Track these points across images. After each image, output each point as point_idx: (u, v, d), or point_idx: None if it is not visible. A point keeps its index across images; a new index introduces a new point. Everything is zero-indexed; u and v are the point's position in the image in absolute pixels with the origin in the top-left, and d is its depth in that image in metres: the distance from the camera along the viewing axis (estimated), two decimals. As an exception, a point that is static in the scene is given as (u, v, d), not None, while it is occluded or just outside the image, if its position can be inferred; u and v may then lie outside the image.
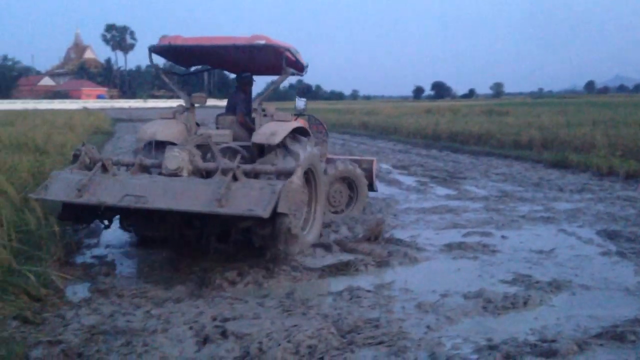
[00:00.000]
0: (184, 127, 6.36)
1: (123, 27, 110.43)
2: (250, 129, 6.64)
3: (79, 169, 5.50)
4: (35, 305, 4.26)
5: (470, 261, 5.83)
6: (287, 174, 5.35)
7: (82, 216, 5.70)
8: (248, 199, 4.85)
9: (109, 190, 5.06)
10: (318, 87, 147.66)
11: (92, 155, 5.64)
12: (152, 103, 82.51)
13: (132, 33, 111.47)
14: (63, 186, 5.15)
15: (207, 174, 5.59)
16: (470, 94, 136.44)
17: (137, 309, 4.39)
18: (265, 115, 6.41)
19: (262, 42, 5.95)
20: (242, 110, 6.82)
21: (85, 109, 45.94)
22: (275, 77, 7.27)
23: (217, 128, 6.87)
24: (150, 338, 3.81)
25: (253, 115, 6.73)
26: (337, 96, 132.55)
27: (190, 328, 3.98)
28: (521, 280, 5.15)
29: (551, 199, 9.33)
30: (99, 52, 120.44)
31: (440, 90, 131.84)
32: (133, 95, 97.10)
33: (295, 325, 3.94)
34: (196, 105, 6.60)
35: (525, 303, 4.52)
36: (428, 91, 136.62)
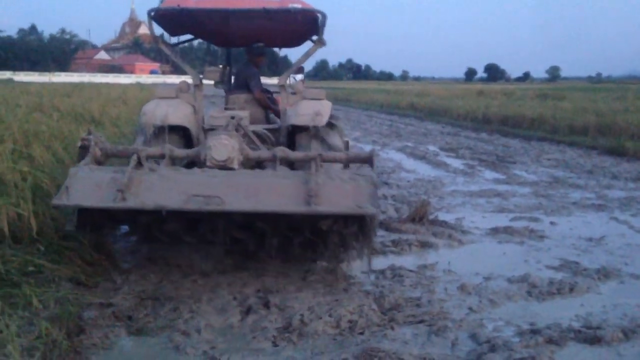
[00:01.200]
0: (191, 108, 5.47)
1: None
2: (267, 109, 6.14)
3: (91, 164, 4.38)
4: (88, 270, 4.44)
5: (517, 246, 5.74)
6: (362, 161, 4.75)
7: (103, 223, 4.62)
8: (343, 193, 4.06)
9: (163, 191, 4.02)
10: (367, 67, 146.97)
11: (104, 147, 4.53)
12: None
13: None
14: (90, 188, 3.99)
15: (257, 165, 4.86)
16: (525, 77, 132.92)
17: (184, 277, 4.53)
18: (293, 93, 5.74)
19: (298, 6, 5.25)
20: (257, 86, 6.11)
21: (139, 84, 46.92)
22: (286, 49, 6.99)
23: (227, 108, 5.96)
24: (196, 305, 3.94)
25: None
26: (386, 77, 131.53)
27: (235, 298, 4.10)
28: (568, 266, 5.06)
29: (604, 186, 9.05)
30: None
31: (494, 72, 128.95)
32: (184, 72, 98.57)
33: (336, 300, 4.00)
34: (205, 82, 5.73)
35: (571, 289, 4.45)
36: (481, 73, 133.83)
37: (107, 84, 42.06)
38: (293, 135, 5.50)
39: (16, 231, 4.32)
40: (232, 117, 5.19)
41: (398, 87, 55.40)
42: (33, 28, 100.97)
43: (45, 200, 4.61)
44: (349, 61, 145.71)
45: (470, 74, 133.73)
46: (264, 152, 4.81)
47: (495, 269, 4.96)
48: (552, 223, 6.64)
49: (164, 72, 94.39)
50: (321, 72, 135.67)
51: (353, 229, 4.40)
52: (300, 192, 4.01)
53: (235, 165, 4.46)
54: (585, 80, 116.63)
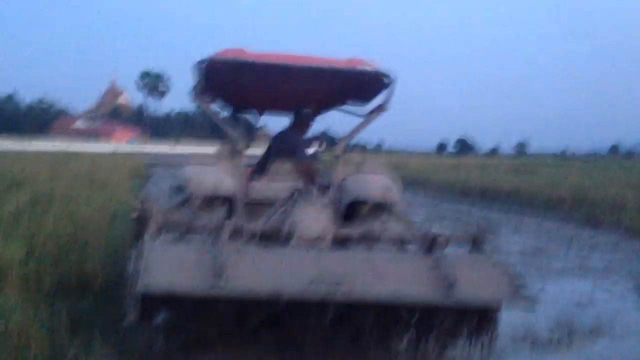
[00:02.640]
0: (233, 177, 4.92)
1: (157, 75, 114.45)
2: (312, 180, 5.39)
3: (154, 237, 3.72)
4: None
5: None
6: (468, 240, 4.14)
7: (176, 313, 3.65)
8: (479, 281, 3.46)
9: (270, 274, 3.31)
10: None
11: (163, 218, 3.89)
12: (181, 149, 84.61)
13: (166, 80, 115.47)
14: (175, 269, 3.19)
15: (340, 242, 4.22)
16: (494, 151, 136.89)
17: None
18: (349, 165, 5.28)
19: (369, 68, 4.83)
20: (303, 156, 5.57)
21: (116, 153, 47.39)
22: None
23: (266, 178, 5.31)
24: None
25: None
26: (360, 148, 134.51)
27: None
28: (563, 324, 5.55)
29: (584, 257, 9.67)
30: (133, 95, 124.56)
31: (464, 146, 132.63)
32: (163, 140, 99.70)
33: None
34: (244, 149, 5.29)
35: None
36: (451, 147, 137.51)
37: (85, 153, 42.40)
38: (350, 212, 4.89)
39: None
40: (297, 190, 4.48)
41: (373, 158, 56.67)
42: (9, 97, 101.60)
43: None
44: (324, 134, 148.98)
45: (442, 147, 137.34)
46: (354, 229, 4.24)
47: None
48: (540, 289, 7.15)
49: (141, 141, 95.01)
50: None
51: (472, 324, 3.76)
52: (431, 279, 3.40)
53: (325, 243, 3.85)
54: (551, 156, 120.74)
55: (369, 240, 4.06)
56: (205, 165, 4.89)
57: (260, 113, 7.00)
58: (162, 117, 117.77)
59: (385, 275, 3.42)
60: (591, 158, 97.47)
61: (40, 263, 4.64)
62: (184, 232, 4.08)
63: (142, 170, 29.08)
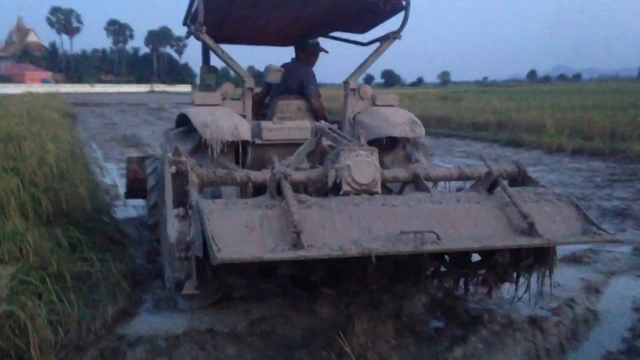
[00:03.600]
0: (245, 118, 4.50)
1: (69, 10, 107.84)
2: (324, 118, 4.87)
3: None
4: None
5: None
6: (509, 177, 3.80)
7: (237, 279, 3.42)
8: (552, 218, 3.33)
9: (350, 230, 3.03)
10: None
11: (201, 172, 3.43)
12: (99, 88, 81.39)
13: (78, 16, 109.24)
14: (243, 233, 2.89)
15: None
16: (419, 82, 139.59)
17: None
18: (361, 99, 4.89)
19: None
20: (315, 92, 5.06)
21: (30, 94, 45.11)
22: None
23: (275, 118, 4.78)
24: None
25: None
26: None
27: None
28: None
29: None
30: (42, 35, 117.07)
31: (390, 78, 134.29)
32: (79, 80, 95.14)
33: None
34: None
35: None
36: (378, 79, 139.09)
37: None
38: None
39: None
40: (319, 130, 4.04)
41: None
42: None
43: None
44: (251, 68, 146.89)
45: (369, 79, 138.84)
46: (400, 171, 3.87)
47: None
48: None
49: (57, 82, 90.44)
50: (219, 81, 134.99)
51: (528, 261, 3.65)
52: (504, 221, 3.26)
53: (379, 188, 3.52)
54: (474, 84, 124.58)
55: (417, 181, 3.75)
56: (212, 107, 4.35)
57: (252, 45, 6.38)
58: (76, 55, 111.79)
59: (463, 221, 3.21)
60: (511, 84, 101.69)
61: (35, 192, 4.93)
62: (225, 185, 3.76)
63: (70, 110, 28.20)
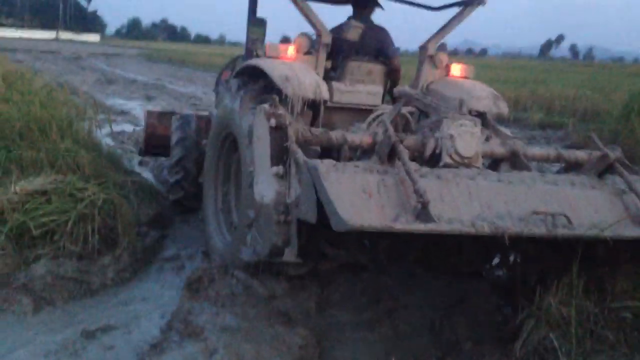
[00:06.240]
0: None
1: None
2: (398, 83, 4.69)
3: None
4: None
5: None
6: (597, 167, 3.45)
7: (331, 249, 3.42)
8: None
9: (477, 205, 2.83)
10: (184, 28, 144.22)
11: (300, 129, 3.24)
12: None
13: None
14: (362, 199, 2.65)
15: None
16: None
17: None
18: (436, 67, 4.52)
19: None
20: (394, 53, 4.68)
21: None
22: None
23: (347, 80, 4.38)
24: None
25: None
26: (203, 39, 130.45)
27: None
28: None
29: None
30: None
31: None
32: (41, 26, 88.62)
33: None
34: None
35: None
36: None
37: None
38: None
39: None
40: (406, 95, 3.91)
41: (224, 51, 56.66)
42: None
43: None
44: (164, 21, 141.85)
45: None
46: (497, 147, 3.63)
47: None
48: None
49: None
50: (133, 31, 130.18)
51: (626, 255, 3.36)
52: (622, 209, 3.08)
53: (480, 163, 3.33)
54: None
55: (515, 159, 3.56)
56: (288, 61, 3.99)
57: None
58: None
59: (583, 207, 3.02)
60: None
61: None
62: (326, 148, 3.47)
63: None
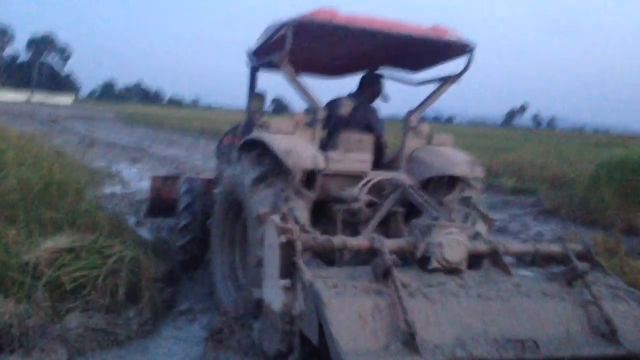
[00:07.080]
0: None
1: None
2: (384, 154, 5.17)
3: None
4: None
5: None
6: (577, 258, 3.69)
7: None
8: (628, 321, 3.26)
9: (453, 329, 3.06)
10: (157, 92, 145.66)
11: (305, 240, 3.42)
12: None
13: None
14: (358, 327, 2.93)
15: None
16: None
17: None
18: (417, 136, 4.94)
19: (455, 38, 4.54)
20: (380, 126, 5.20)
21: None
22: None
23: (340, 149, 4.75)
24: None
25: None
26: (177, 103, 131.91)
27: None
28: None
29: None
30: None
31: (278, 106, 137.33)
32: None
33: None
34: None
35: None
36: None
37: None
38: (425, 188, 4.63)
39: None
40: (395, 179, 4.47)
41: (198, 114, 57.34)
42: None
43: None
44: (137, 85, 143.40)
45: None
46: (480, 245, 3.79)
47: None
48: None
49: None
50: (106, 94, 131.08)
51: None
52: (586, 322, 3.21)
53: (465, 266, 3.54)
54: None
55: (495, 257, 3.75)
56: (286, 134, 4.44)
57: (321, 76, 6.34)
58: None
59: (552, 321, 3.20)
60: (390, 122, 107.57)
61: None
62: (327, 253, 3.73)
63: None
